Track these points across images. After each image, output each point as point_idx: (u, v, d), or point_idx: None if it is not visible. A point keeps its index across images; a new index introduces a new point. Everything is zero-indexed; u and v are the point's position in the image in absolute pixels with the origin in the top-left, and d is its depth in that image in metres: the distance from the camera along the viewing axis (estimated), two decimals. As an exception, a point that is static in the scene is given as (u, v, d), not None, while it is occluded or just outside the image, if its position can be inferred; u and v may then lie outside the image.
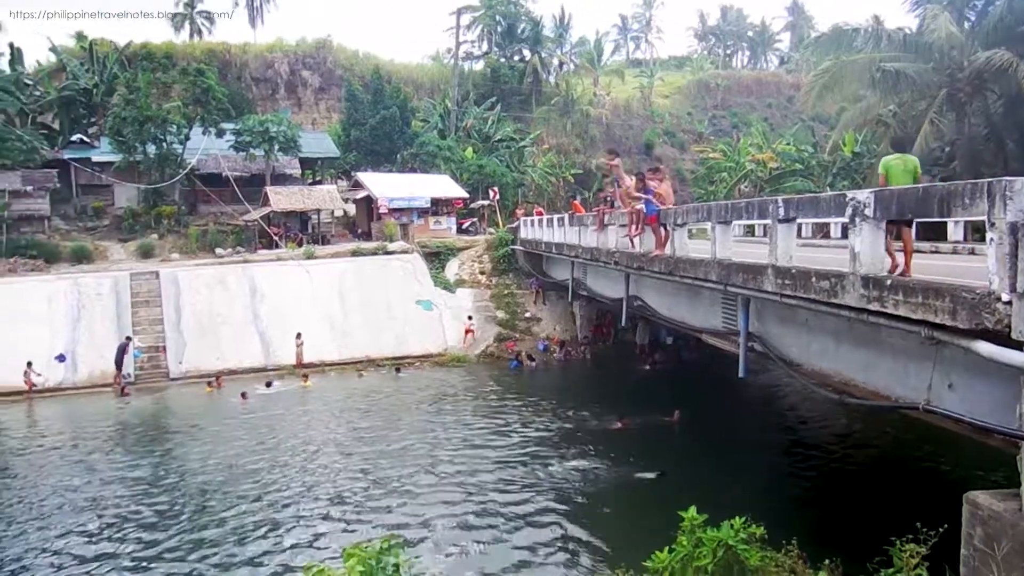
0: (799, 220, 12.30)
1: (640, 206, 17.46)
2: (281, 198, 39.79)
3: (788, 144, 53.59)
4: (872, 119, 32.84)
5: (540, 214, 32.60)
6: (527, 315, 34.09)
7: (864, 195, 9.29)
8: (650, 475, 16.43)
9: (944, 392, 9.10)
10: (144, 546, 13.77)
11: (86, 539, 14.19)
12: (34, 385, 26.30)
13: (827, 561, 6.83)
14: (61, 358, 27.36)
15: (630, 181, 18.49)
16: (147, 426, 22.76)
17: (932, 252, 19.08)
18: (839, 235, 24.50)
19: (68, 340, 28.04)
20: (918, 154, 26.37)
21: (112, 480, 17.55)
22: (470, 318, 33.32)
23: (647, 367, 29.65)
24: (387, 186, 42.19)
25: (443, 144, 49.88)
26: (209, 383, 26.94)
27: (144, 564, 12.99)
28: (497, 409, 23.52)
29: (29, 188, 37.18)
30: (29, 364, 26.40)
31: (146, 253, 36.59)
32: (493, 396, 25.56)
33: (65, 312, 28.94)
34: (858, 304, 9.28)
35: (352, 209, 45.53)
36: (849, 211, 9.43)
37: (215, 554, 13.33)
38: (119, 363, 27.39)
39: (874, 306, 8.97)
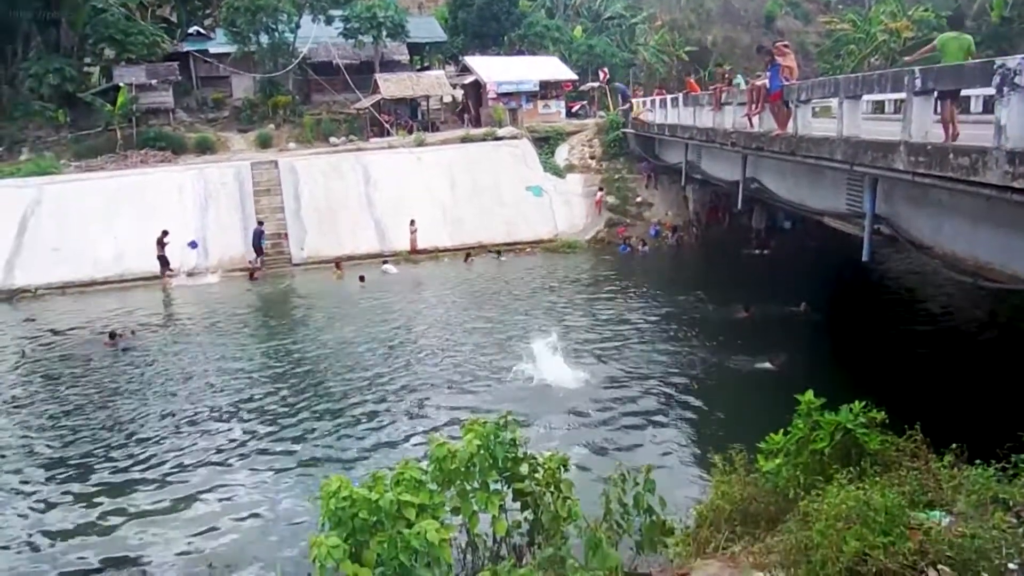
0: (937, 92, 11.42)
1: (763, 83, 16.62)
2: (391, 85, 39.89)
3: (926, 11, 49.22)
4: (1026, -22, 29.65)
5: (661, 94, 31.50)
6: (638, 200, 33.52)
7: (1015, 62, 8.51)
8: (767, 365, 16.18)
9: (1094, 275, 8.49)
10: (267, 423, 14.64)
11: (213, 412, 15.24)
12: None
13: (953, 446, 6.61)
14: (193, 244, 28.91)
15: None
16: (280, 306, 24.23)
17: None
18: (980, 110, 22.71)
19: (198, 227, 29.57)
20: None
21: (247, 357, 18.82)
22: (601, 189, 33.36)
23: (764, 252, 28.93)
24: (495, 70, 41.50)
25: (551, 24, 48.38)
26: (337, 266, 28.12)
27: (265, 439, 13.82)
28: (607, 294, 23.59)
29: (153, 81, 38.61)
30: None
31: (264, 143, 37.69)
32: (603, 281, 25.58)
33: (193, 201, 30.44)
34: (1001, 182, 8.66)
35: (460, 95, 45.24)
36: (997, 80, 8.68)
37: (339, 428, 14.19)
38: (257, 247, 28.85)
39: (1020, 183, 8.35)
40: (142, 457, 13.18)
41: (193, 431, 14.26)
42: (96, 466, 12.89)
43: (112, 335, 20.42)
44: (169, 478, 12.34)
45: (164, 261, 27.76)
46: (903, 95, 11.42)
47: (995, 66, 8.77)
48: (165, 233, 27.73)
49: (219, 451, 13.33)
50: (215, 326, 21.99)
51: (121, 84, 37.35)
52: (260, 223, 29.47)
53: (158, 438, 13.98)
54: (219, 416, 15.00)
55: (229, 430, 14.26)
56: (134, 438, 14.02)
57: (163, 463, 12.90)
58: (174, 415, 15.08)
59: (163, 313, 24.34)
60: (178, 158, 35.48)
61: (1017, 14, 35.20)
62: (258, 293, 26.32)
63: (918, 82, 10.56)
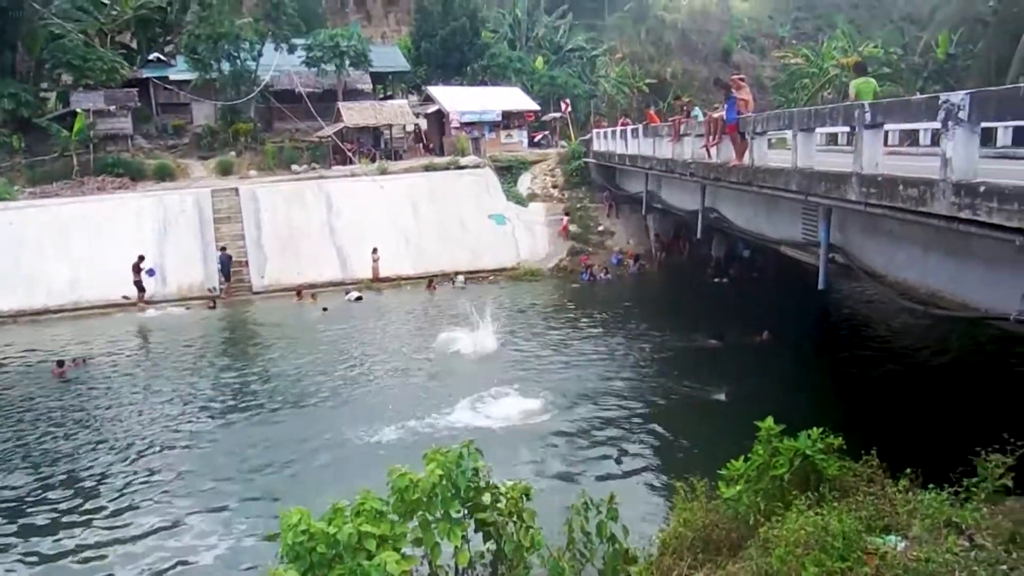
0: (886, 126, 11.77)
1: (720, 115, 16.97)
2: (353, 113, 39.92)
3: (875, 47, 50.72)
4: (969, 17, 30.90)
5: (626, 124, 32.03)
6: (600, 229, 33.86)
7: (959, 97, 8.80)
8: (721, 396, 16.27)
9: (1038, 303, 8.76)
10: (220, 459, 14.35)
11: (162, 449, 14.85)
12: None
13: (908, 471, 6.76)
14: (151, 272, 28.44)
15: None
16: (238, 336, 23.91)
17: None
18: (928, 142, 23.42)
19: (156, 255, 29.09)
20: (1021, 54, 24.90)
21: (200, 389, 18.51)
22: (567, 215, 33.74)
23: (724, 280, 29.32)
24: (458, 100, 41.79)
25: (514, 55, 48.91)
26: (312, 295, 28.07)
27: (217, 477, 13.44)
28: (568, 322, 23.69)
29: (112, 107, 38.09)
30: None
31: (225, 170, 37.33)
32: (564, 309, 25.71)
33: (152, 228, 30.01)
34: (949, 212, 8.92)
35: (423, 124, 45.39)
36: (942, 114, 8.96)
37: (294, 462, 13.98)
38: (226, 273, 28.84)
39: (965, 214, 8.61)
40: (86, 500, 12.60)
41: (140, 470, 13.76)
42: (34, 511, 12.24)
43: (60, 363, 19.97)
44: (117, 522, 11.80)
45: (140, 286, 27.51)
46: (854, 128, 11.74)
47: (940, 101, 9.07)
48: (141, 258, 27.63)
49: (168, 491, 12.85)
50: (169, 357, 21.56)
51: (78, 110, 36.80)
52: (223, 249, 29.32)
53: (103, 477, 13.48)
54: (168, 453, 14.50)
55: (179, 468, 13.78)
56: (77, 478, 13.46)
57: (109, 506, 12.36)
58: (120, 452, 14.58)
59: (117, 342, 23.67)
60: (136, 185, 34.95)
61: (961, 51, 36.43)
62: (217, 322, 25.93)
63: (867, 116, 10.85)
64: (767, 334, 20.34)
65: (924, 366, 18.55)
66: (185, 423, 16.09)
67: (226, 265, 28.91)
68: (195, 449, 14.70)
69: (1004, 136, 20.97)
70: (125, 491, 12.88)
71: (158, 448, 14.75)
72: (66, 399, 17.94)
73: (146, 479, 13.35)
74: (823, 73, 49.32)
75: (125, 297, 27.44)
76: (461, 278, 29.97)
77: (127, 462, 14.10)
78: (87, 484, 13.21)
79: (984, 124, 9.18)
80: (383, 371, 19.22)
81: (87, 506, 12.39)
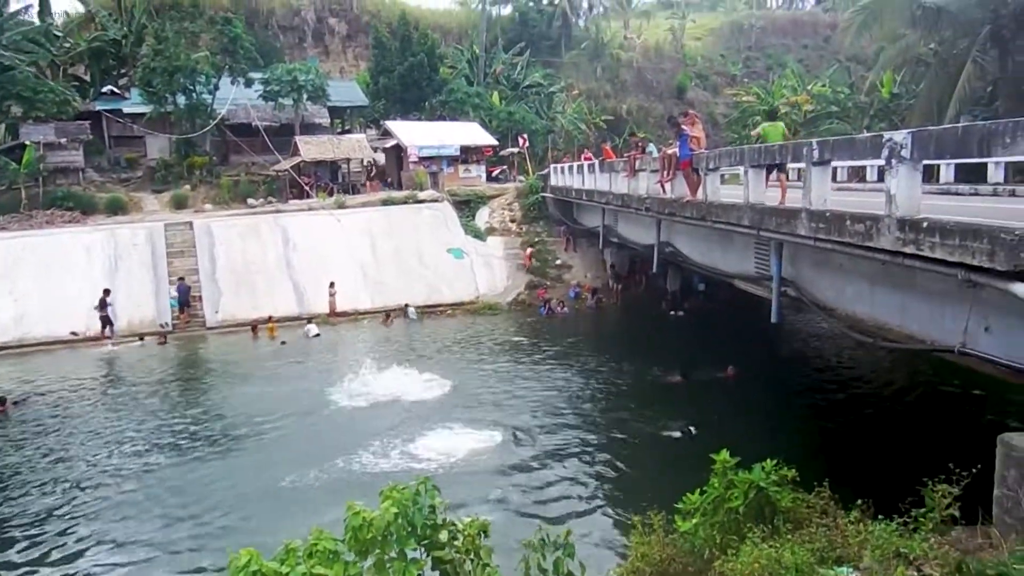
0: (834, 163, 12.11)
1: (673, 151, 17.28)
2: (311, 147, 39.82)
3: (824, 86, 52.29)
4: (912, 58, 32.07)
5: (588, 159, 32.41)
6: (558, 262, 34.09)
7: (901, 136, 9.11)
8: (676, 434, 16.24)
9: (980, 335, 9.02)
10: (164, 505, 14.01)
11: (100, 496, 14.31)
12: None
13: (859, 502, 6.87)
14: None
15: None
16: (187, 373, 23.36)
17: (971, 194, 18.70)
18: (875, 179, 24.11)
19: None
20: (960, 94, 25.80)
21: (143, 430, 18.04)
22: (532, 245, 33.98)
23: (679, 313, 29.60)
24: (416, 134, 41.96)
25: (471, 91, 49.34)
26: (271, 328, 27.75)
27: (161, 522, 13.06)
28: (526, 356, 23.66)
29: (63, 140, 37.54)
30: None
31: (179, 204, 36.86)
32: (522, 343, 25.68)
33: (103, 263, 29.46)
34: (893, 247, 9.18)
35: (381, 158, 45.43)
36: (886, 152, 9.27)
37: (242, 505, 13.69)
38: (185, 303, 28.69)
39: (910, 249, 8.87)
40: (18, 554, 12.05)
41: (78, 517, 13.26)
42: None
43: (3, 400, 19.40)
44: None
45: (107, 321, 27.00)
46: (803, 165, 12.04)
47: (884, 139, 9.37)
48: (107, 292, 27.17)
49: (104, 543, 12.33)
50: (115, 395, 20.92)
51: (28, 142, 36.15)
52: (181, 279, 29.21)
53: (38, 526, 12.95)
54: (106, 500, 13.98)
55: (117, 517, 13.29)
56: (7, 531, 12.90)
57: (46, 559, 11.86)
58: (57, 499, 14.04)
59: (61, 381, 22.54)
60: (87, 218, 34.29)
61: (905, 90, 37.74)
62: (167, 359, 25.30)
63: (815, 153, 11.15)
64: (732, 369, 20.32)
65: (875, 397, 18.88)
66: (124, 468, 15.49)
67: (184, 294, 28.73)
68: (135, 496, 14.16)
69: (947, 173, 21.71)
70: (63, 543, 12.35)
71: (95, 495, 14.20)
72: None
73: (86, 531, 12.81)
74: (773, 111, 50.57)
75: (73, 333, 26.80)
76: (412, 310, 29.81)
77: (63, 512, 13.53)
78: (18, 542, 12.54)
79: (926, 161, 9.50)
80: (334, 409, 18.81)
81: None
